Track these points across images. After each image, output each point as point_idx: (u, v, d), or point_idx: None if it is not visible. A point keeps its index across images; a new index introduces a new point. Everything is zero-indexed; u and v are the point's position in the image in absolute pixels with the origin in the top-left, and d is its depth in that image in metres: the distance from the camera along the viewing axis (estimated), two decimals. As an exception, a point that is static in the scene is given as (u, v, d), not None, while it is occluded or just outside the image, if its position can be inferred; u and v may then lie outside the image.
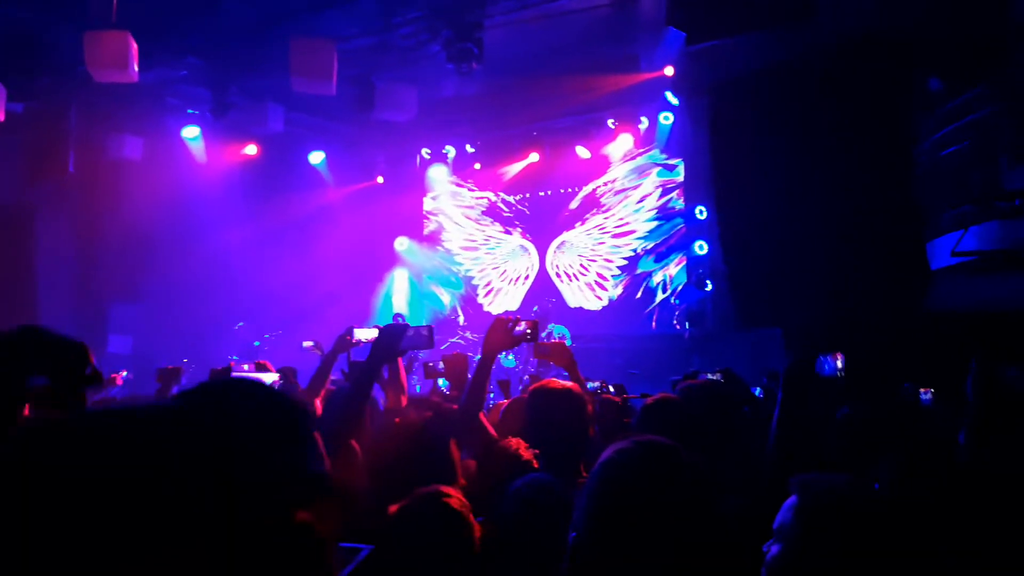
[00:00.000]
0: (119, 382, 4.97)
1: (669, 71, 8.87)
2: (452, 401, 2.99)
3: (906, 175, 5.67)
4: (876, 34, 5.44)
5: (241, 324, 9.62)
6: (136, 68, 7.14)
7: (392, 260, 11.52)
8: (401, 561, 1.52)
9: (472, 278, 11.58)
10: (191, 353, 8.85)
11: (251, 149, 10.31)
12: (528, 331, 2.53)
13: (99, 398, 4.73)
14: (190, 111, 9.56)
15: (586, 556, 1.10)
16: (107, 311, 9.22)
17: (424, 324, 2.52)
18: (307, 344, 7.66)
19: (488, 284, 11.48)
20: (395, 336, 2.43)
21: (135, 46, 7.10)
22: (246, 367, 3.73)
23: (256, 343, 9.69)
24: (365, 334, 3.22)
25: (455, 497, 1.68)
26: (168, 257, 9.42)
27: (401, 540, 1.58)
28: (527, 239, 11.19)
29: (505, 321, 2.52)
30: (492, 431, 2.35)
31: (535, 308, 9.34)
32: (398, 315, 9.46)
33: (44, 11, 7.15)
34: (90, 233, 9.01)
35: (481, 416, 2.36)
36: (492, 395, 5.32)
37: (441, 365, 3.43)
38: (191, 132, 9.78)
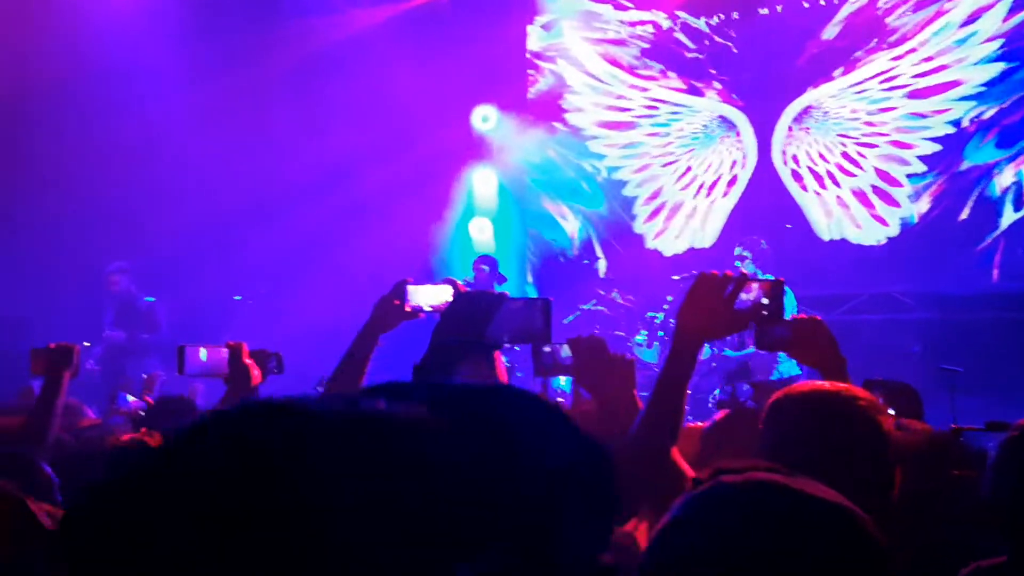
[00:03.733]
0: None
1: None
2: (589, 416, 2.61)
3: None
4: None
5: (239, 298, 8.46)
6: None
7: (469, 149, 8.94)
8: None
9: (623, 184, 8.91)
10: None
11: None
12: (764, 300, 2.03)
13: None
14: None
15: None
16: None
17: (537, 296, 2.25)
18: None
19: (655, 195, 8.77)
20: (480, 310, 2.07)
21: None
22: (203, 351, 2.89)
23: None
24: (429, 296, 2.62)
25: None
26: (65, 143, 8.04)
27: None
28: (734, 105, 8.55)
29: (718, 281, 2.03)
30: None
31: (763, 243, 7.27)
32: (483, 259, 7.61)
33: None
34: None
35: (674, 452, 2.10)
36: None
37: (565, 353, 2.81)
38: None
